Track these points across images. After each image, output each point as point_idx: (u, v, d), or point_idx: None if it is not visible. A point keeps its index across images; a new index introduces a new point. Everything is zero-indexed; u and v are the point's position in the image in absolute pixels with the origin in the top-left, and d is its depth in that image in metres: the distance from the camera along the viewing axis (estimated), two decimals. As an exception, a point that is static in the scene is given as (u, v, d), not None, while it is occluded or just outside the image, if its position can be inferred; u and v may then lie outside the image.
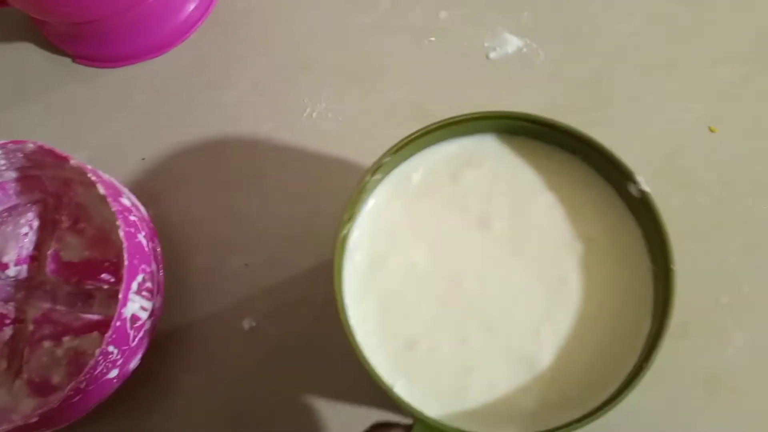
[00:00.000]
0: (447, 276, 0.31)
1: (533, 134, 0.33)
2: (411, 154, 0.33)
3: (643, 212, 0.31)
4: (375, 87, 0.42)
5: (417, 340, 0.31)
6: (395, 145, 0.31)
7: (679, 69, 0.42)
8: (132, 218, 0.35)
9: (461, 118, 0.32)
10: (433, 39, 0.43)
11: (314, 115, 0.42)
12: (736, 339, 0.37)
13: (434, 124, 0.31)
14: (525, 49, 0.42)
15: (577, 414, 0.29)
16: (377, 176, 0.32)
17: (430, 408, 0.29)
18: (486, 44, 0.42)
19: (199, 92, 0.43)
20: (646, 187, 0.31)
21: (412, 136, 0.31)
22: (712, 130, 0.40)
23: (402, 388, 0.30)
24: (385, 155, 0.31)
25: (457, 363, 0.30)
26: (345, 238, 0.31)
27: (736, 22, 0.43)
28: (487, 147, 0.33)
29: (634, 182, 0.31)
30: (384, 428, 0.29)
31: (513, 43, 0.42)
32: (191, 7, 0.43)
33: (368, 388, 0.37)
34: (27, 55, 0.45)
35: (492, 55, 0.42)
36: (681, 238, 0.38)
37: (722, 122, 0.41)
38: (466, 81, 0.42)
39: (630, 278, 0.31)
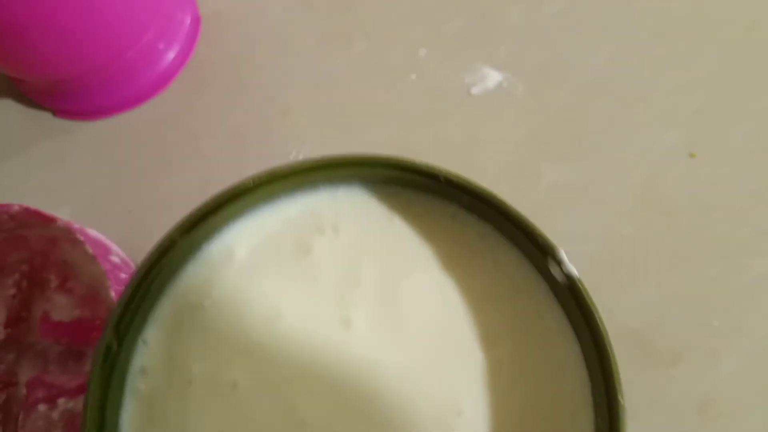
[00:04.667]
0: (280, 405, 0.21)
1: (409, 184, 0.22)
2: (230, 220, 0.23)
3: (567, 297, 0.22)
4: (357, 129, 0.42)
5: None
6: (181, 224, 0.22)
7: (650, 98, 0.43)
8: (122, 276, 0.35)
9: (289, 169, 0.21)
10: (414, 77, 0.43)
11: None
12: (727, 362, 0.37)
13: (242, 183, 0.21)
14: (505, 83, 0.42)
15: None
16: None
17: None
18: (467, 80, 0.42)
19: (180, 142, 0.43)
20: (572, 269, 0.21)
21: (203, 210, 0.22)
22: (692, 156, 0.41)
23: None
24: (165, 242, 0.22)
25: None
26: (115, 360, 0.21)
27: (698, 50, 0.44)
28: (347, 204, 0.23)
29: (557, 261, 0.21)
30: None
31: (493, 77, 0.43)
32: (171, 56, 0.43)
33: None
34: (5, 111, 0.44)
35: (474, 90, 0.42)
36: (666, 265, 0.39)
37: (700, 148, 0.41)
38: (450, 118, 0.42)
39: (564, 403, 0.22)
